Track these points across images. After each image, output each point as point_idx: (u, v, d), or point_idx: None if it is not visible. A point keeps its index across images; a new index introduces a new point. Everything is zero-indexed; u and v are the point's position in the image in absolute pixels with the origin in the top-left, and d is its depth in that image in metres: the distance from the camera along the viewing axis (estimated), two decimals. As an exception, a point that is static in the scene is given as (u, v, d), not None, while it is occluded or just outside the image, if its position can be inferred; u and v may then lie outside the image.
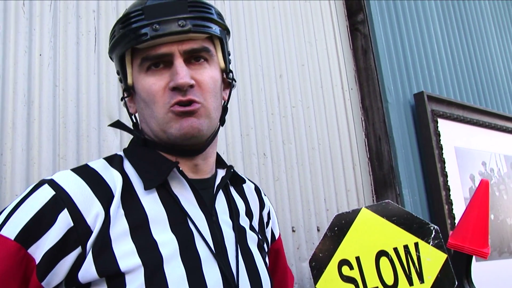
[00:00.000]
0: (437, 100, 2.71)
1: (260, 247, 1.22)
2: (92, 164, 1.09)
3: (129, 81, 1.11)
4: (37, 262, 0.93)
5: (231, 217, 1.17)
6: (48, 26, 1.63)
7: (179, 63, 1.06)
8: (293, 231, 2.08)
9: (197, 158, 1.14)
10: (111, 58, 1.17)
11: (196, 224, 1.07)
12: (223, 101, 1.19)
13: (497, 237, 2.77)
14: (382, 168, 2.46)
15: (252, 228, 1.24)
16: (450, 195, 2.53)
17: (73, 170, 1.05)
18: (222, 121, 1.19)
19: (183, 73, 1.05)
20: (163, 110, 1.06)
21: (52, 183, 1.00)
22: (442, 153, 2.58)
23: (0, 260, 0.91)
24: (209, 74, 1.11)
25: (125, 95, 1.14)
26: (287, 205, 2.10)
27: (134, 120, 1.18)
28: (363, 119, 2.58)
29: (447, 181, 2.55)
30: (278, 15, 2.37)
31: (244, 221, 1.22)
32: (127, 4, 1.80)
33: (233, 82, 1.20)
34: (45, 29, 1.62)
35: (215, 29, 1.11)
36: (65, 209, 0.96)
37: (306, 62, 2.41)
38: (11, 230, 0.93)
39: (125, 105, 1.16)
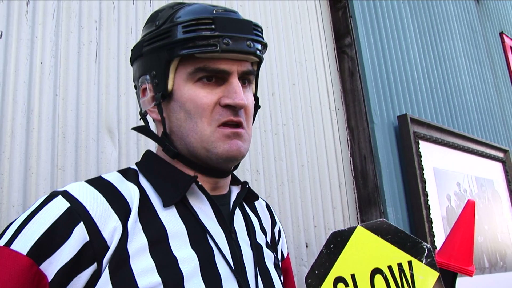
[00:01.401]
0: (418, 123, 2.67)
1: (276, 265, 1.12)
2: (107, 177, 0.96)
3: (170, 86, 0.98)
4: (49, 279, 0.80)
5: (248, 234, 1.06)
6: (50, 35, 1.51)
7: (237, 82, 0.96)
8: (284, 246, 1.99)
9: (221, 180, 1.04)
10: (139, 56, 1.03)
11: (216, 240, 0.96)
12: None
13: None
14: (367, 186, 2.39)
15: (267, 245, 1.14)
16: (430, 214, 2.48)
17: (88, 181, 0.93)
18: None
19: (242, 93, 0.95)
20: (210, 127, 0.95)
21: (67, 195, 0.87)
22: (423, 174, 2.54)
23: (11, 277, 0.78)
24: (251, 98, 1.03)
25: (161, 100, 0.99)
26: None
27: (166, 129, 1.01)
28: (348, 138, 2.51)
29: (428, 200, 2.50)
30: (271, 36, 2.30)
31: (260, 238, 1.12)
32: (129, 16, 1.71)
33: (258, 107, 1.12)
34: (47, 38, 1.50)
35: (262, 54, 1.03)
36: (81, 223, 0.84)
37: (297, 82, 2.34)
38: (23, 245, 0.80)
39: (161, 110, 1.00)
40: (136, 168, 1.02)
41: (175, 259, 0.88)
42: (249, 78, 1.02)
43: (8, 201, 1.30)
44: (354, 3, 2.64)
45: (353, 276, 1.31)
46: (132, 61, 1.07)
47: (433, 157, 2.73)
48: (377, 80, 2.61)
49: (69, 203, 0.85)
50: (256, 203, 1.22)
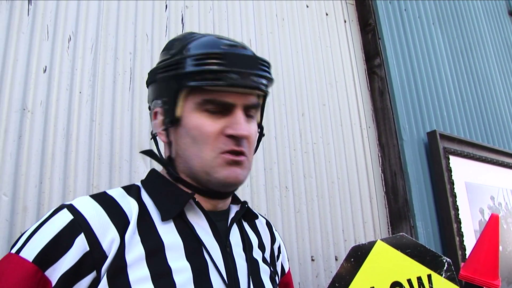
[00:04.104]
0: (448, 138, 2.60)
1: (272, 279, 1.11)
2: (110, 192, 1.00)
3: (178, 113, 1.00)
4: (53, 284, 0.84)
5: (244, 249, 1.07)
6: (89, 67, 1.58)
7: (241, 114, 0.98)
8: (312, 260, 1.97)
9: (219, 202, 1.05)
10: (153, 81, 1.05)
11: (211, 254, 0.97)
12: None
13: (505, 267, 2.62)
14: (397, 201, 2.34)
15: (264, 260, 1.13)
16: (461, 227, 2.39)
17: (92, 196, 0.96)
18: None
19: (244, 125, 0.97)
20: (212, 153, 0.97)
21: (71, 208, 0.91)
22: (454, 188, 2.46)
23: (18, 282, 0.82)
24: (255, 128, 1.03)
25: (169, 125, 1.01)
26: (307, 235, 1.99)
27: (168, 153, 1.05)
28: (379, 155, 2.47)
29: (458, 214, 2.42)
30: (301, 58, 2.30)
31: (257, 253, 1.12)
32: (161, 46, 1.76)
33: (263, 135, 1.13)
34: (85, 69, 1.57)
35: (268, 89, 1.04)
36: (82, 234, 0.87)
37: (327, 102, 2.33)
38: (30, 253, 0.85)
39: (167, 133, 1.03)
40: (140, 185, 1.05)
41: (169, 270, 0.90)
42: (252, 111, 1.02)
43: (47, 218, 1.36)
44: (383, 25, 2.61)
45: (372, 289, 1.29)
46: (148, 84, 1.09)
47: (464, 171, 2.63)
48: (406, 98, 2.56)
49: (73, 215, 0.89)
50: (256, 221, 1.22)
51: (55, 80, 1.50)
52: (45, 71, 1.49)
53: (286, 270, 1.29)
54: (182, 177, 1.02)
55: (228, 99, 0.97)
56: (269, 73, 1.02)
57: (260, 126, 1.10)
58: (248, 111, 1.01)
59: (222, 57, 0.96)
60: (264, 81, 1.00)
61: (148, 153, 1.09)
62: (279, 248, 1.26)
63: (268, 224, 1.26)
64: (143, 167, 1.58)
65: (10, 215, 1.32)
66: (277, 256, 1.24)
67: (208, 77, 0.95)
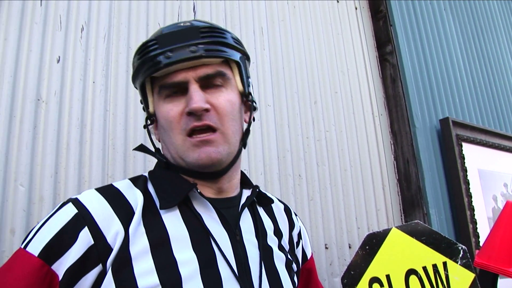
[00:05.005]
0: (461, 125, 2.57)
1: (288, 266, 1.08)
2: (117, 184, 0.99)
3: (151, 109, 1.02)
4: (60, 278, 0.84)
5: (256, 236, 1.04)
6: (102, 57, 1.57)
7: (193, 88, 0.96)
8: (326, 248, 1.96)
9: (220, 182, 1.03)
10: (136, 88, 1.08)
11: (219, 243, 0.95)
12: (245, 124, 1.08)
13: (519, 255, 2.60)
14: (410, 189, 2.33)
15: (280, 247, 1.10)
16: (474, 214, 2.37)
17: (97, 189, 0.96)
18: (244, 144, 1.07)
19: (197, 97, 0.94)
20: (180, 137, 0.96)
21: (76, 202, 0.90)
22: (467, 175, 2.44)
23: (24, 276, 0.82)
24: (226, 97, 0.99)
25: (148, 122, 1.05)
26: (320, 223, 1.98)
27: (157, 146, 1.09)
28: (392, 142, 2.45)
29: (472, 201, 2.40)
30: (313, 46, 2.28)
31: (272, 240, 1.09)
32: (174, 36, 1.75)
33: (253, 104, 1.09)
34: (98, 59, 1.56)
35: (230, 53, 1.01)
36: (86, 227, 0.87)
37: (339, 90, 2.31)
38: (35, 247, 0.85)
39: (148, 132, 1.07)
40: (147, 175, 1.05)
41: (174, 261, 0.89)
42: (215, 80, 1.00)
43: (63, 208, 1.36)
44: (394, 12, 2.58)
45: (388, 276, 1.28)
46: None
47: (478, 158, 2.61)
48: (418, 85, 2.53)
49: (77, 209, 0.89)
50: (273, 206, 1.19)
51: (69, 70, 1.50)
52: (58, 61, 1.48)
53: (309, 256, 1.26)
54: (171, 163, 1.02)
55: (177, 78, 0.97)
56: (219, 37, 0.99)
57: (245, 94, 1.06)
58: (209, 82, 0.99)
59: (156, 42, 0.97)
60: (212, 47, 0.97)
61: (140, 148, 1.10)
62: (299, 234, 1.23)
63: (287, 210, 1.24)
64: (157, 156, 1.57)
65: (27, 205, 1.33)
66: (297, 242, 1.22)
67: (149, 66, 0.96)
